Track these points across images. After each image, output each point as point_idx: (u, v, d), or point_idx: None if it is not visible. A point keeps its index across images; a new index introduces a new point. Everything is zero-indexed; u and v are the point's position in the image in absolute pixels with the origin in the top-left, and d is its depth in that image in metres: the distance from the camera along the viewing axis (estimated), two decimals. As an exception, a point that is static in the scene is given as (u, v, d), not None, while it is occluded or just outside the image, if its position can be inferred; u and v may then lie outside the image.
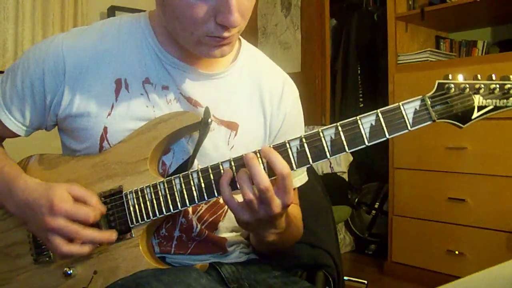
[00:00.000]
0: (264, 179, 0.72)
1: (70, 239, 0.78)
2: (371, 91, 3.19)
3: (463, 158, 2.36)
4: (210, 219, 0.92)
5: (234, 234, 0.97)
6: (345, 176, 2.92)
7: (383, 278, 2.71)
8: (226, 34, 0.77)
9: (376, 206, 3.16)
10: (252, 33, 3.50)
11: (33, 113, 0.90)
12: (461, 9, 2.45)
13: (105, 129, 0.86)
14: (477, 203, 2.33)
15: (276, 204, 0.74)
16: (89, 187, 0.84)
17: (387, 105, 0.75)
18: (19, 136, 0.94)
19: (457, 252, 2.38)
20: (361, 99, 3.20)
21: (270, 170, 0.74)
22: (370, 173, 3.22)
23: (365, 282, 2.49)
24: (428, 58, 2.55)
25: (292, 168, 0.76)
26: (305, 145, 0.75)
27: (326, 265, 1.10)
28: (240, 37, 0.97)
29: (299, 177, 1.01)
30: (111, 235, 0.81)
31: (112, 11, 3.05)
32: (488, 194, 2.28)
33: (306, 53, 3.29)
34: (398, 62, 2.66)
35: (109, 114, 0.86)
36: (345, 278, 2.21)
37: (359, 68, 3.23)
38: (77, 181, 0.85)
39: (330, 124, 0.76)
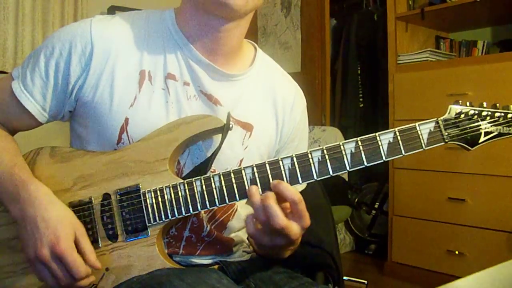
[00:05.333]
0: (281, 219, 0.75)
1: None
2: (371, 91, 3.19)
3: (463, 158, 2.35)
4: (221, 219, 0.93)
5: (240, 232, 0.98)
6: (345, 176, 2.92)
7: (383, 278, 2.71)
8: None
9: (376, 206, 3.15)
10: (252, 33, 3.50)
11: (53, 96, 0.88)
12: (461, 9, 2.45)
13: (126, 120, 0.85)
14: (477, 203, 2.33)
15: (295, 231, 0.77)
16: (104, 184, 0.84)
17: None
18: (34, 126, 0.92)
19: (457, 252, 2.38)
20: (361, 99, 3.20)
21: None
22: (370, 173, 3.22)
23: (365, 282, 2.49)
24: (428, 58, 2.54)
25: (313, 178, 0.80)
26: (326, 156, 0.80)
27: (326, 265, 1.09)
28: (255, 45, 1.01)
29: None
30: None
31: (112, 11, 3.05)
32: (488, 194, 2.28)
33: (306, 53, 3.28)
34: (398, 62, 2.65)
35: (131, 105, 0.86)
36: (345, 278, 2.21)
37: (359, 68, 3.23)
38: (92, 176, 0.85)
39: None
